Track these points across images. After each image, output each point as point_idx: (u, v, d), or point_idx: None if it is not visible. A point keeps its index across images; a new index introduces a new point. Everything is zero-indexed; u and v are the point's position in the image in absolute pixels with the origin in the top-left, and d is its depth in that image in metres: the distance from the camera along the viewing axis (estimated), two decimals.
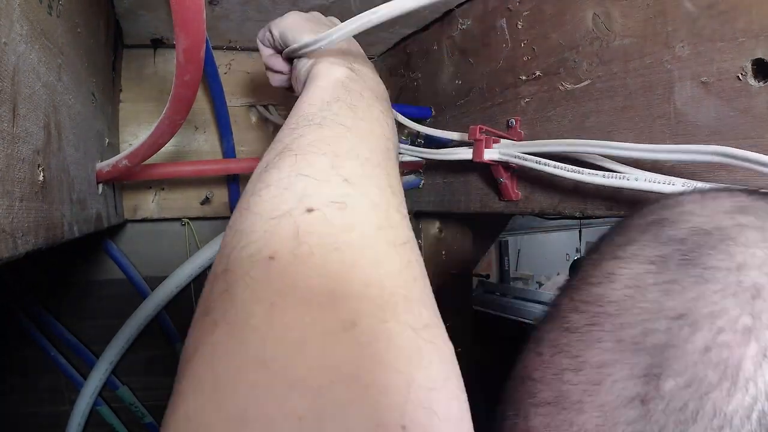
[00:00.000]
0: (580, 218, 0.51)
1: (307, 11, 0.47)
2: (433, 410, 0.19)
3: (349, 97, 0.35)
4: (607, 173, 0.42)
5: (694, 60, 0.39)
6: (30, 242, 0.30)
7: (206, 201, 0.79)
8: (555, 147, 0.47)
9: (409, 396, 0.19)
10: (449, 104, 0.68)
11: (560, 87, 0.51)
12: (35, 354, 0.76)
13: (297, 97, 0.37)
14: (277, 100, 0.81)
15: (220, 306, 0.22)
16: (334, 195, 0.26)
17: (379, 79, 0.43)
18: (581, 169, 0.44)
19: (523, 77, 0.55)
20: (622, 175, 0.41)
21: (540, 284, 2.74)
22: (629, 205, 0.45)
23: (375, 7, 0.35)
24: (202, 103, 0.77)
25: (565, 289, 0.26)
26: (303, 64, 0.44)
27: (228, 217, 0.54)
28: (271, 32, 0.47)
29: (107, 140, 0.58)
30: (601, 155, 0.43)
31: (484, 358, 0.97)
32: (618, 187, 0.42)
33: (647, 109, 0.42)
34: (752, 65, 0.35)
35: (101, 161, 0.52)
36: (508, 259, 2.88)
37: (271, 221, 0.24)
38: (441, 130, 0.61)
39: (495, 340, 0.61)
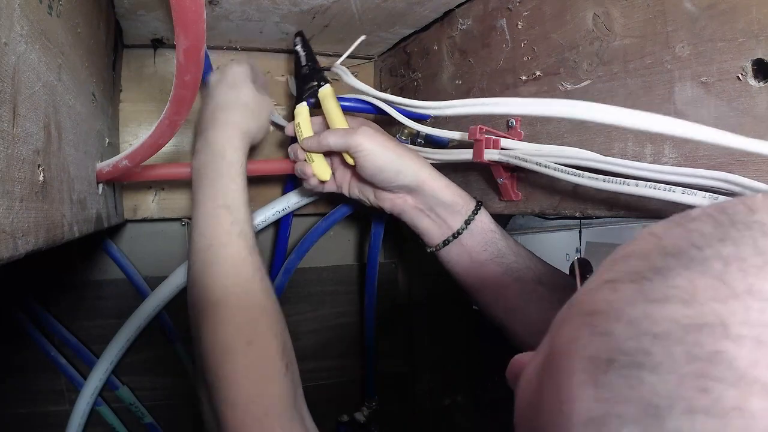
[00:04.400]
0: (580, 218, 0.51)
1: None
2: None
3: None
4: (607, 177, 0.42)
5: (694, 60, 0.39)
6: (30, 242, 0.30)
7: None
8: (556, 154, 0.47)
9: None
10: None
11: (560, 87, 0.51)
12: (35, 354, 0.76)
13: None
14: (277, 101, 0.81)
15: None
16: None
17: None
18: (581, 172, 0.44)
19: (523, 77, 0.55)
20: (623, 180, 0.41)
21: None
22: (629, 207, 0.45)
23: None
24: None
25: None
26: None
27: None
28: None
29: (107, 140, 0.58)
30: (607, 172, 0.43)
31: (485, 358, 0.97)
32: (618, 192, 0.42)
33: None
34: (752, 65, 0.35)
35: (101, 161, 0.52)
36: None
37: None
38: (441, 130, 0.61)
39: (497, 339, 0.61)
